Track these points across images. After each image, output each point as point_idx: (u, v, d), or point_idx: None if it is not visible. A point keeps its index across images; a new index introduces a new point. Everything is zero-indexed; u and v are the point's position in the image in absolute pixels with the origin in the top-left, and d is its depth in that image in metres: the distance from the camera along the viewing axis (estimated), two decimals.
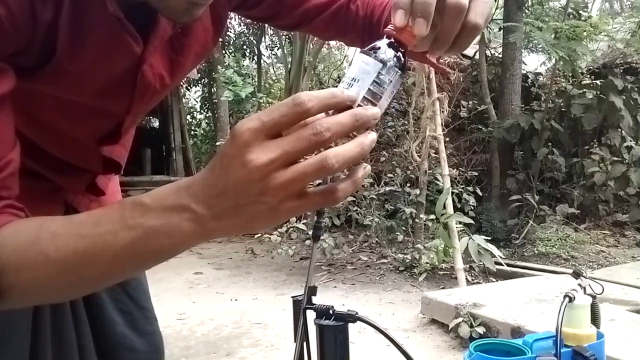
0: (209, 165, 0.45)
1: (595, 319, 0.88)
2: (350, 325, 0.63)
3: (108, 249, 0.45)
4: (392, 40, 0.46)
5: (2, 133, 0.51)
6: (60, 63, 0.59)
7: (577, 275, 0.93)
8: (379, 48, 0.45)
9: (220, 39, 0.80)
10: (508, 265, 4.35)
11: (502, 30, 6.58)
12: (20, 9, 0.51)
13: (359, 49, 0.46)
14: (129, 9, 0.58)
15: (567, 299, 0.82)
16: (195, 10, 0.58)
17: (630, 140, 5.87)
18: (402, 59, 0.45)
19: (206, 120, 11.62)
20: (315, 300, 0.69)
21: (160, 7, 0.58)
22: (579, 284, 0.90)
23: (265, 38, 10.29)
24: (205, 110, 11.37)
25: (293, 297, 0.71)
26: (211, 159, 0.46)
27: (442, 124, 4.39)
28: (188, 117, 11.24)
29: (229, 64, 8.26)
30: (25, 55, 0.56)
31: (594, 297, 0.89)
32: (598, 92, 5.91)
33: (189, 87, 10.97)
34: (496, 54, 7.37)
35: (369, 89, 0.43)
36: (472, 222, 4.30)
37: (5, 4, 0.49)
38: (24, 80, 0.58)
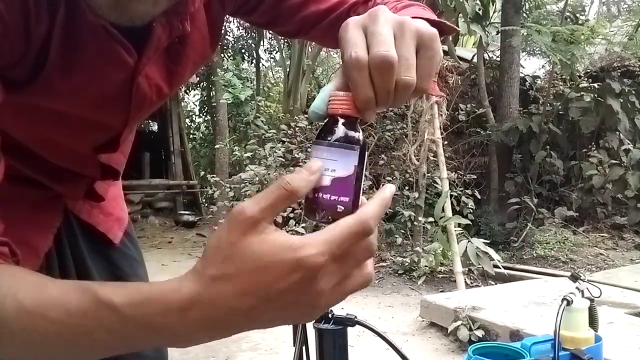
0: (226, 285, 0.38)
1: (593, 322, 0.89)
2: (349, 329, 0.63)
3: (80, 344, 0.42)
4: (347, 120, 0.42)
5: None
6: (49, 77, 0.58)
7: (575, 278, 0.93)
8: (359, 140, 0.42)
9: (217, 45, 0.79)
10: (507, 268, 4.35)
11: (500, 34, 6.61)
12: (15, 22, 0.51)
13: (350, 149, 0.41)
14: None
15: (565, 302, 0.83)
16: (122, 5, 0.53)
17: (628, 143, 5.88)
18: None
19: (205, 124, 11.61)
20: None
21: (90, 3, 0.54)
22: (577, 287, 0.90)
23: (264, 42, 10.31)
24: (204, 113, 11.37)
25: None
26: (226, 277, 0.39)
27: (440, 127, 4.40)
28: (187, 120, 11.24)
29: (227, 67, 8.27)
30: (18, 69, 0.56)
31: (591, 300, 0.89)
32: (596, 95, 5.92)
33: (187, 91, 10.97)
34: (494, 57, 7.39)
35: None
36: (470, 224, 4.30)
37: (0, 18, 0.49)
38: (16, 94, 0.58)
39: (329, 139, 0.41)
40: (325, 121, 0.43)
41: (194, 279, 0.40)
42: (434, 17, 0.63)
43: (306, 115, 6.80)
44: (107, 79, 0.63)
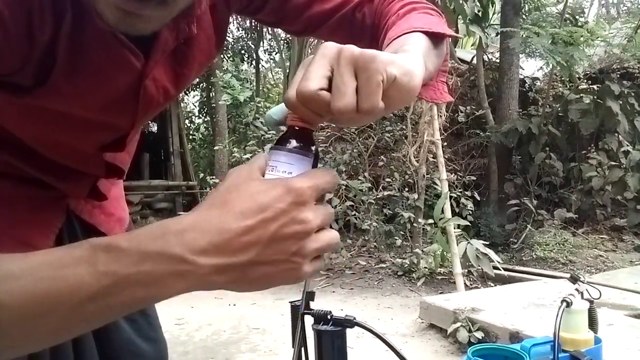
0: (224, 209, 0.41)
1: (592, 324, 0.89)
2: (348, 330, 0.63)
3: (71, 295, 0.38)
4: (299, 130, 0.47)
5: None
6: (57, 81, 0.58)
7: (574, 280, 0.93)
8: (313, 149, 0.47)
9: (223, 45, 0.79)
10: (506, 269, 4.35)
11: (499, 35, 6.61)
12: (18, 29, 0.51)
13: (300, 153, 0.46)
14: None
15: (564, 303, 0.82)
16: (130, 20, 0.53)
17: (627, 145, 5.89)
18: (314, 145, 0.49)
19: (204, 125, 11.62)
20: (314, 305, 0.69)
21: (99, 10, 0.53)
22: (577, 289, 0.90)
23: (263, 43, 10.32)
24: (204, 114, 11.38)
25: (291, 302, 0.71)
26: (223, 203, 0.41)
27: (440, 128, 4.40)
28: (186, 121, 11.25)
29: (227, 68, 8.28)
30: (22, 74, 0.56)
31: (591, 301, 0.89)
32: (595, 97, 5.93)
33: (187, 92, 10.98)
34: (494, 59, 7.40)
35: None
36: (469, 225, 4.30)
37: (3, 26, 0.49)
38: (24, 97, 0.58)
39: (287, 145, 0.46)
40: (285, 130, 0.48)
41: (192, 211, 0.42)
42: (434, 22, 0.64)
43: None
44: (114, 83, 0.63)
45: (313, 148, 0.47)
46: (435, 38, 0.62)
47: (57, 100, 0.61)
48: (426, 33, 0.60)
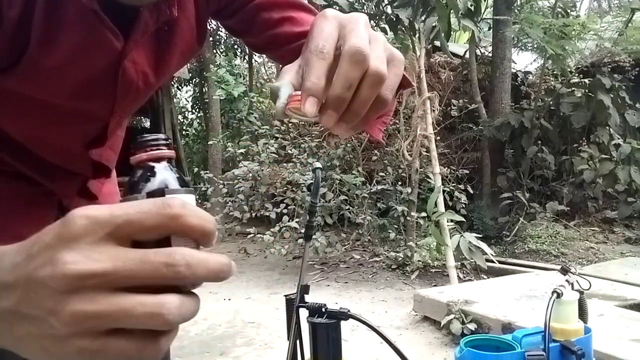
0: (22, 243, 0.32)
1: (582, 314, 0.90)
2: (343, 323, 0.64)
3: None
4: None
5: None
6: (32, 59, 0.57)
7: (564, 271, 0.94)
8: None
9: (204, 41, 0.79)
10: (499, 262, 4.39)
11: (491, 29, 6.62)
12: None
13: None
14: (108, 3, 0.57)
15: (555, 294, 0.84)
16: None
17: (618, 138, 5.94)
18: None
19: (198, 120, 11.57)
20: (308, 298, 0.70)
21: None
22: (567, 280, 0.92)
23: None
24: (197, 109, 11.33)
25: (286, 295, 0.72)
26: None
27: (432, 122, 4.41)
28: (179, 116, 11.18)
29: (220, 63, 8.25)
30: None
31: (581, 292, 0.91)
32: (587, 91, 5.97)
33: (180, 87, 10.92)
34: (486, 53, 7.42)
35: None
36: (463, 219, 4.33)
37: None
38: None
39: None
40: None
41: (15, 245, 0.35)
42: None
43: None
44: (92, 63, 0.62)
45: (152, 182, 0.36)
46: None
47: (34, 82, 0.59)
48: None
